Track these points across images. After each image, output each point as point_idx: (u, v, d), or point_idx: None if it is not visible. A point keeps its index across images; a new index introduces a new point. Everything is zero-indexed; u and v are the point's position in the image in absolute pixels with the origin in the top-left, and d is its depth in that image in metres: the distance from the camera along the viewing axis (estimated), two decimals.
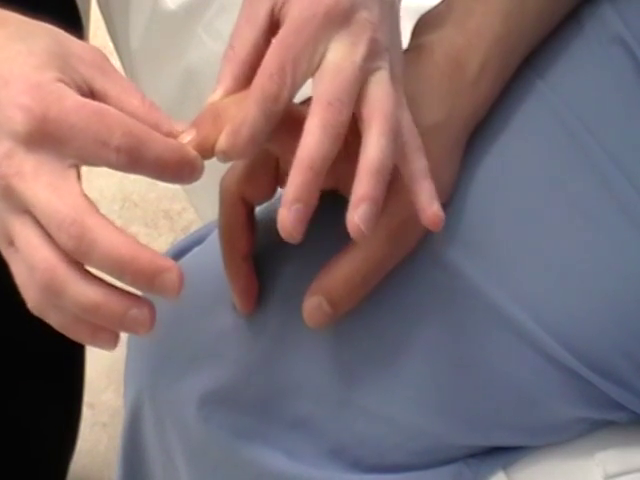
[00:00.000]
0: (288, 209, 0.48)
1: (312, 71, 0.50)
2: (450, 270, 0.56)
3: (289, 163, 0.53)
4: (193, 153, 0.49)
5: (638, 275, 0.57)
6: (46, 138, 0.46)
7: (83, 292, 0.47)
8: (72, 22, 0.85)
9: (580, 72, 0.60)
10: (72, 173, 0.47)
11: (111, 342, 0.50)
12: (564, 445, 0.59)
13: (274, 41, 0.49)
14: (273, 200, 0.57)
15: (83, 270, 0.48)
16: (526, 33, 0.58)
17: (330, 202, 0.53)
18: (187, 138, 0.49)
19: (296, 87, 0.49)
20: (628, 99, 0.59)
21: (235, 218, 0.55)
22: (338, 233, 0.54)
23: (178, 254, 0.63)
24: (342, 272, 0.53)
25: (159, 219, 1.48)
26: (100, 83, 0.49)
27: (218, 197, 0.56)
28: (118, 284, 0.48)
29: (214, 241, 0.57)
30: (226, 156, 0.49)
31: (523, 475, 0.59)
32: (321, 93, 0.49)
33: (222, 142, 0.49)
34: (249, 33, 0.51)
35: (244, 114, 0.48)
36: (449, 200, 0.56)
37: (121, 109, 0.48)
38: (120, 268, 0.47)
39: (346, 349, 0.57)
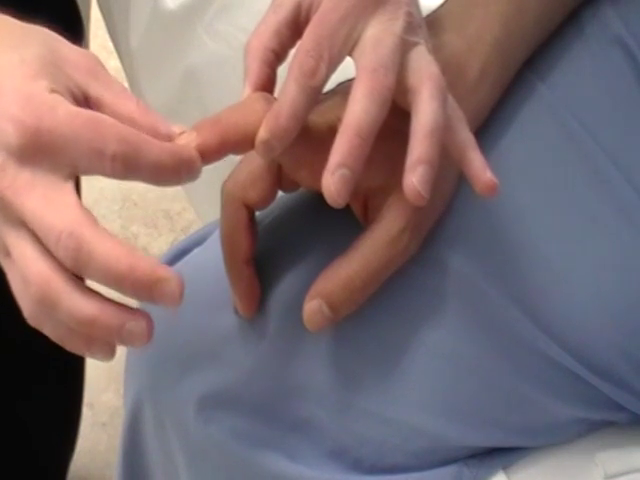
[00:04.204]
0: (332, 174, 0.48)
1: (349, 47, 0.50)
2: (450, 272, 0.56)
3: (296, 173, 0.53)
4: (189, 153, 0.48)
5: (637, 275, 0.57)
6: (39, 150, 0.46)
7: (78, 306, 0.46)
8: (73, 22, 0.85)
9: (580, 74, 0.60)
10: (68, 184, 0.47)
11: (107, 354, 0.49)
12: (564, 445, 0.59)
13: (311, 21, 0.50)
14: (273, 204, 0.57)
15: (79, 283, 0.47)
16: (526, 37, 0.58)
17: (332, 207, 0.53)
18: (187, 138, 0.49)
19: (333, 63, 0.49)
20: (628, 101, 0.59)
21: (237, 223, 0.55)
22: (339, 237, 0.54)
23: (178, 255, 0.63)
24: (342, 276, 0.52)
25: (159, 219, 1.48)
26: (94, 89, 0.49)
27: (218, 198, 0.56)
28: (115, 296, 0.47)
29: (215, 242, 0.57)
30: (268, 145, 0.49)
31: (523, 475, 0.59)
32: (364, 62, 0.49)
33: (263, 131, 0.48)
34: (271, 20, 0.52)
35: (283, 95, 0.48)
36: (450, 202, 0.56)
37: (116, 114, 0.48)
38: (118, 280, 0.46)
39: (347, 352, 0.56)
